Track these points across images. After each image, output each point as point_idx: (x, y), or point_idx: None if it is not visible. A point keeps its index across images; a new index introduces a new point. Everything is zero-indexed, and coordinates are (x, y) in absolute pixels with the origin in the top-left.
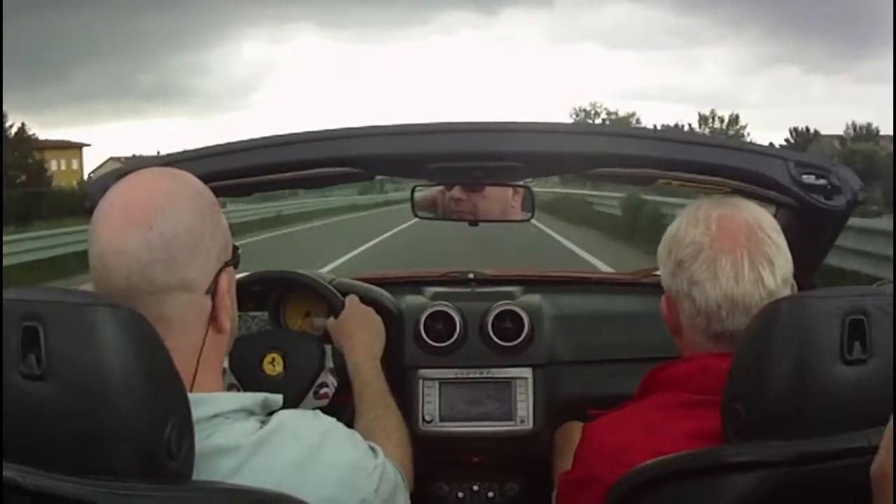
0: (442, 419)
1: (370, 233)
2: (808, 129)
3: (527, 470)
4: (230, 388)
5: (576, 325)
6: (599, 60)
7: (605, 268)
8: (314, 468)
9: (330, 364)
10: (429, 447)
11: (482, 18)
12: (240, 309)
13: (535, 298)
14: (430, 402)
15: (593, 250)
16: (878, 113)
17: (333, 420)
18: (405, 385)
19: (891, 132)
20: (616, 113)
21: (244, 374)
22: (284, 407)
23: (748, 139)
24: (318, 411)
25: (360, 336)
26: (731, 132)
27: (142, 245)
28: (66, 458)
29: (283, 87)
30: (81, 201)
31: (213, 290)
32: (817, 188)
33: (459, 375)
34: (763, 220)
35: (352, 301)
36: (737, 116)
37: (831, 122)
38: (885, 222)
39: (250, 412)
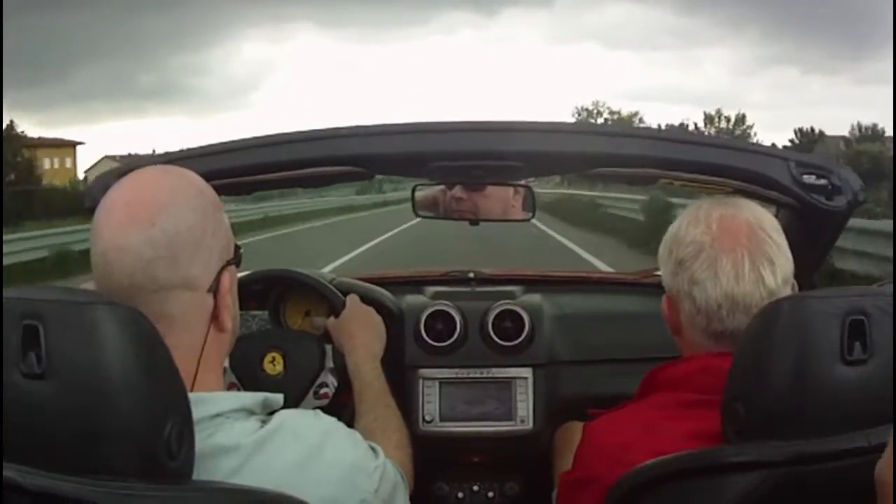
0: (442, 419)
1: (368, 234)
2: (812, 130)
3: (527, 470)
4: (230, 387)
5: (576, 324)
6: (599, 61)
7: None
8: (315, 468)
9: (330, 364)
10: (429, 447)
11: (482, 18)
12: (240, 308)
13: (535, 298)
14: (430, 402)
15: (619, 262)
16: (882, 114)
17: (334, 420)
18: (405, 385)
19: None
20: (619, 112)
21: (244, 374)
22: (284, 406)
23: (755, 139)
24: (318, 411)
25: (361, 336)
26: (738, 132)
27: (144, 242)
28: (65, 458)
29: (282, 86)
30: (74, 200)
31: (215, 289)
32: (818, 188)
33: (460, 375)
34: (764, 220)
35: (352, 301)
36: (743, 116)
37: (832, 123)
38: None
39: (251, 412)
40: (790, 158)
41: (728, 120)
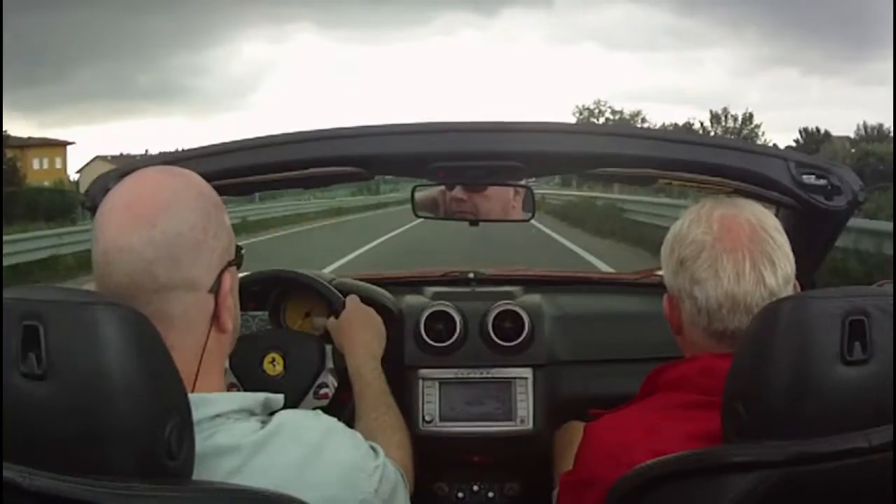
0: (442, 419)
1: (355, 241)
2: (818, 130)
3: (527, 470)
4: (230, 387)
5: (576, 324)
6: (599, 61)
7: None
8: (315, 468)
9: (330, 364)
10: (429, 447)
11: (482, 19)
12: (240, 308)
13: (535, 298)
14: (430, 402)
15: None
16: (888, 114)
17: (334, 420)
18: (405, 385)
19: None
20: (621, 112)
21: (244, 374)
22: (284, 407)
23: (763, 138)
24: (318, 411)
25: (361, 336)
26: (746, 131)
27: (145, 243)
28: (66, 458)
29: (282, 87)
30: (62, 201)
31: (216, 290)
32: (817, 188)
33: (459, 375)
34: (766, 220)
35: (352, 301)
36: (751, 115)
37: (834, 123)
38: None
39: (251, 412)
40: (789, 158)
41: (735, 119)
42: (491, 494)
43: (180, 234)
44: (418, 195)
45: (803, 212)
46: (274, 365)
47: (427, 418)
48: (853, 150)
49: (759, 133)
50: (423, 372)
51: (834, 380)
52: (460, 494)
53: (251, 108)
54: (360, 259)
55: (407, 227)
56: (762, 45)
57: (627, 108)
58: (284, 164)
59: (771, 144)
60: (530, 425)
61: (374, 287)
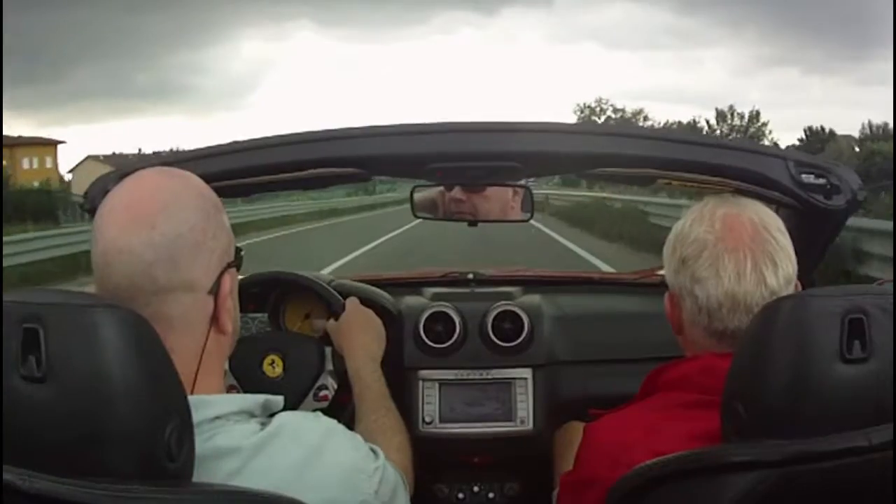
0: (442, 420)
1: (347, 245)
2: (822, 129)
3: (527, 470)
4: (230, 389)
5: (576, 325)
6: (599, 60)
7: None
8: (315, 470)
9: (329, 366)
10: (429, 448)
11: (482, 18)
12: (239, 310)
13: (534, 299)
14: (429, 404)
15: None
16: (889, 114)
17: (334, 422)
18: (405, 386)
19: None
20: (623, 110)
21: (244, 376)
22: (284, 409)
23: (769, 136)
24: (318, 413)
25: (361, 338)
26: (752, 129)
27: (145, 244)
28: (65, 461)
29: (281, 86)
30: (49, 202)
31: (215, 291)
32: (817, 188)
33: (459, 376)
34: (768, 219)
35: (352, 303)
36: (757, 112)
37: (835, 123)
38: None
39: (251, 414)
40: (789, 158)
41: (742, 117)
42: (491, 495)
43: (180, 235)
44: (417, 196)
45: (803, 211)
46: (273, 367)
47: (427, 419)
48: (858, 150)
49: (766, 131)
50: (423, 373)
51: (833, 378)
52: (460, 495)
53: (250, 107)
54: (359, 260)
55: (407, 227)
56: (762, 45)
57: (629, 107)
58: (283, 166)
59: (776, 143)
60: (530, 426)
61: (374, 288)
